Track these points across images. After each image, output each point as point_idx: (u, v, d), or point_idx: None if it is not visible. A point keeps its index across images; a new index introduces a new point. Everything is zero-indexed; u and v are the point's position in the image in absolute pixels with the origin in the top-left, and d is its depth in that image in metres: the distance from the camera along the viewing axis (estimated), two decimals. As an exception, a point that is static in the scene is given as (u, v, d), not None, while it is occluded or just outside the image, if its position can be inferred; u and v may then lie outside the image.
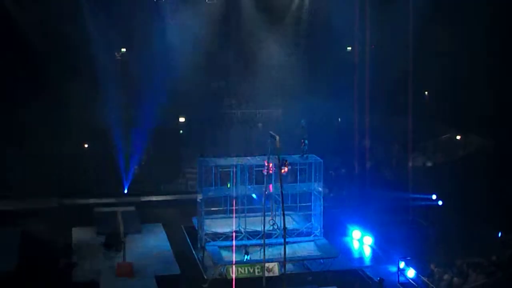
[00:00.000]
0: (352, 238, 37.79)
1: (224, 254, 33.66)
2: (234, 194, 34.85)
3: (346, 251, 36.38)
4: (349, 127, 46.68)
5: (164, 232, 38.62)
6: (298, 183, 36.05)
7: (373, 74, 45.34)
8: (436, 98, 48.65)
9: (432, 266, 32.57)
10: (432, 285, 31.51)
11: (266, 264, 31.15)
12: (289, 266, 30.95)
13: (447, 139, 48.57)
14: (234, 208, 34.72)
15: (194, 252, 35.73)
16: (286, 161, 30.93)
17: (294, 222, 36.58)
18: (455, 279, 31.58)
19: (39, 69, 44.58)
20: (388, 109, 47.00)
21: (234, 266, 32.21)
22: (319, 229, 35.86)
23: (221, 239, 34.73)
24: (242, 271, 32.46)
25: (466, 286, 31.24)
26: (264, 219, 31.10)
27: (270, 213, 34.12)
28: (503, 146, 42.82)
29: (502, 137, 43.00)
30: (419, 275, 32.17)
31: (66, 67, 44.62)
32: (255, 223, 34.86)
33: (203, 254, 34.17)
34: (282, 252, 27.98)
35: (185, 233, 38.20)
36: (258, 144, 39.78)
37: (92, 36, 43.72)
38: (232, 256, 32.73)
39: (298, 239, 35.49)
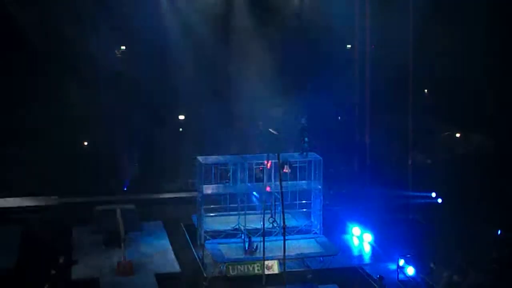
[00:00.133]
0: (351, 236, 37.83)
1: (225, 251, 33.70)
2: (234, 192, 34.89)
3: (346, 248, 36.42)
4: (349, 125, 46.69)
5: (164, 230, 38.67)
6: (297, 181, 36.07)
7: (373, 72, 45.34)
8: (436, 96, 48.64)
9: (431, 264, 32.59)
10: (431, 283, 31.56)
11: (266, 262, 31.17)
12: (289, 264, 30.95)
13: (447, 137, 48.58)
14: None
15: (194, 250, 35.79)
16: (285, 165, 31.20)
17: (293, 220, 36.62)
18: (455, 277, 31.58)
19: (39, 68, 44.61)
20: (388, 107, 46.98)
21: (233, 264, 32.27)
22: (318, 227, 35.89)
23: (220, 236, 34.76)
24: (242, 269, 32.48)
25: (466, 284, 31.25)
26: (264, 217, 31.21)
27: (269, 210, 34.18)
28: (503, 144, 42.86)
29: (502, 135, 43.05)
30: (419, 273, 32.22)
31: (65, 66, 44.63)
32: (254, 221, 34.91)
33: (203, 252, 34.21)
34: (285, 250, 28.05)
35: (185, 231, 38.25)
36: (258, 142, 39.90)
37: (92, 34, 43.71)
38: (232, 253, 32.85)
39: (298, 236, 35.52)
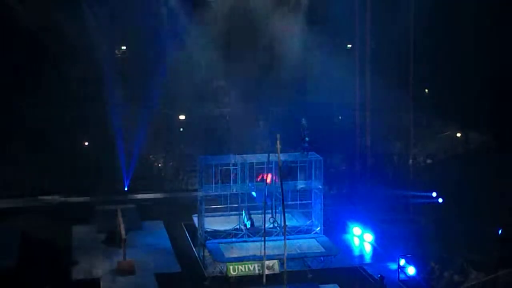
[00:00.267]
0: (352, 236, 37.82)
1: (226, 251, 33.68)
2: (235, 192, 34.85)
3: (346, 248, 36.41)
4: (350, 125, 46.67)
5: (164, 229, 38.67)
6: (298, 181, 36.03)
7: (373, 71, 45.32)
8: (437, 95, 48.66)
9: (432, 264, 32.58)
10: (432, 283, 31.55)
11: (266, 262, 31.15)
12: (289, 264, 30.94)
13: (448, 136, 48.59)
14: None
15: (194, 249, 35.79)
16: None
17: (294, 220, 36.60)
18: (455, 276, 31.59)
19: (39, 67, 44.63)
20: (388, 106, 46.98)
21: (234, 264, 32.26)
22: (319, 227, 35.87)
23: (221, 236, 34.74)
24: (243, 269, 32.47)
25: (467, 283, 31.24)
26: (265, 216, 31.18)
27: (270, 210, 34.16)
28: (503, 143, 42.86)
29: (503, 134, 43.06)
30: (419, 272, 32.21)
31: (65, 65, 44.66)
32: (255, 221, 34.89)
33: (204, 251, 34.20)
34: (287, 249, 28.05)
35: (186, 230, 38.23)
36: (259, 142, 39.93)
37: (93, 34, 43.71)
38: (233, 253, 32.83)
39: (298, 236, 35.50)
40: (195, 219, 36.62)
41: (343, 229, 38.36)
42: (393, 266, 33.22)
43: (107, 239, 36.15)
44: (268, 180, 33.24)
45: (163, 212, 40.97)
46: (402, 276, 32.48)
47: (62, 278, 31.88)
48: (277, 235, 34.13)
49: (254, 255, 32.04)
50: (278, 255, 32.10)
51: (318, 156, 35.66)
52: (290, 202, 35.94)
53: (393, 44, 44.94)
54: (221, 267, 32.65)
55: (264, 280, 29.42)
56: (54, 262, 32.77)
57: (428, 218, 39.10)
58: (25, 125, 44.68)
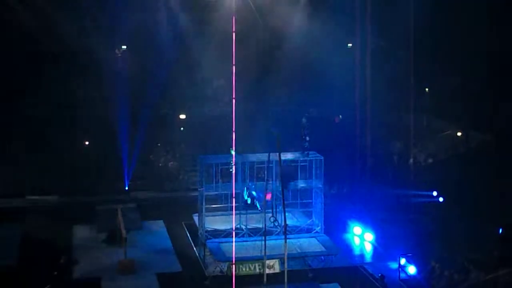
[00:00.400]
0: (353, 235, 37.81)
1: (226, 250, 33.65)
2: (235, 191, 34.84)
3: (347, 247, 36.41)
4: (350, 124, 46.67)
5: (165, 229, 38.67)
6: (299, 180, 36.02)
7: (374, 71, 45.33)
8: (437, 95, 48.66)
9: (433, 263, 32.57)
10: (433, 282, 31.54)
11: (267, 261, 31.15)
12: (290, 263, 30.93)
13: (448, 135, 48.57)
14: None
15: (195, 249, 35.78)
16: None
17: (294, 219, 36.60)
18: (456, 275, 31.58)
19: (40, 67, 44.64)
20: (389, 106, 47.00)
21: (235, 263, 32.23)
22: (320, 226, 35.87)
23: (222, 236, 34.73)
24: (243, 268, 32.47)
25: (467, 282, 31.24)
26: (265, 216, 31.17)
27: (270, 210, 34.14)
28: (503, 142, 42.84)
29: (503, 133, 43.06)
30: (420, 271, 32.21)
31: (66, 65, 44.67)
32: (256, 220, 34.89)
33: (204, 251, 34.20)
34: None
35: (186, 230, 38.23)
36: (259, 141, 39.86)
37: (93, 34, 43.74)
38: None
39: (299, 235, 35.48)
40: (196, 219, 36.64)
41: (344, 228, 38.36)
42: (394, 265, 33.22)
43: (107, 238, 36.13)
44: (268, 197, 33.29)
45: (164, 212, 40.96)
46: (402, 275, 32.49)
47: (62, 278, 31.81)
48: (278, 234, 34.13)
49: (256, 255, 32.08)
50: (278, 254, 32.11)
51: (319, 155, 35.67)
52: (290, 201, 35.97)
53: (393, 43, 44.95)
54: (221, 266, 32.64)
55: (265, 279, 29.39)
56: (55, 262, 32.71)
57: (428, 217, 39.10)
58: (25, 125, 44.68)
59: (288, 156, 35.27)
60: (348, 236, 37.92)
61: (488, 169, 40.65)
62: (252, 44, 46.37)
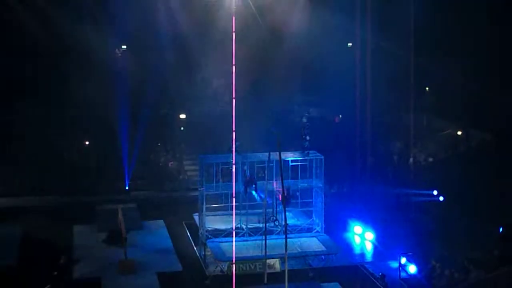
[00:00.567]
0: (353, 234, 37.81)
1: (227, 250, 33.64)
2: (235, 191, 34.82)
3: (347, 247, 36.40)
4: (350, 124, 46.67)
5: (165, 228, 38.65)
6: (299, 179, 36.01)
7: (374, 70, 45.32)
8: (437, 94, 48.67)
9: (433, 262, 32.57)
10: (433, 281, 31.52)
11: (268, 260, 31.13)
12: (290, 262, 30.92)
13: (448, 135, 48.59)
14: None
15: (195, 248, 35.76)
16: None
17: (295, 219, 36.58)
18: (456, 274, 31.58)
19: (40, 67, 44.64)
20: (389, 105, 46.99)
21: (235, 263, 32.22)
22: (320, 225, 35.86)
23: (222, 235, 34.71)
24: (244, 268, 32.45)
25: (467, 281, 31.23)
26: (265, 215, 31.13)
27: (271, 209, 34.13)
28: (504, 141, 42.86)
29: (503, 132, 43.07)
30: (421, 270, 32.20)
31: (66, 65, 44.65)
32: (255, 221, 34.89)
33: (205, 250, 34.18)
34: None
35: (186, 229, 38.22)
36: (260, 140, 39.83)
37: (93, 33, 43.74)
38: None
39: (300, 235, 35.47)
40: (196, 218, 36.63)
41: (344, 228, 38.35)
42: (394, 265, 33.21)
43: (107, 238, 36.11)
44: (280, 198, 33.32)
45: (164, 211, 40.95)
46: (403, 274, 32.48)
47: (62, 277, 31.79)
48: (278, 233, 34.12)
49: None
50: (279, 253, 32.09)
51: (319, 154, 35.66)
52: (291, 201, 35.90)
53: (393, 43, 44.94)
54: (222, 265, 32.62)
55: (266, 279, 29.37)
56: (55, 262, 32.68)
57: (429, 217, 39.10)
58: (25, 125, 44.66)
59: (288, 155, 35.27)
60: (348, 235, 37.91)
61: (488, 168, 40.68)
62: (252, 44, 46.31)
